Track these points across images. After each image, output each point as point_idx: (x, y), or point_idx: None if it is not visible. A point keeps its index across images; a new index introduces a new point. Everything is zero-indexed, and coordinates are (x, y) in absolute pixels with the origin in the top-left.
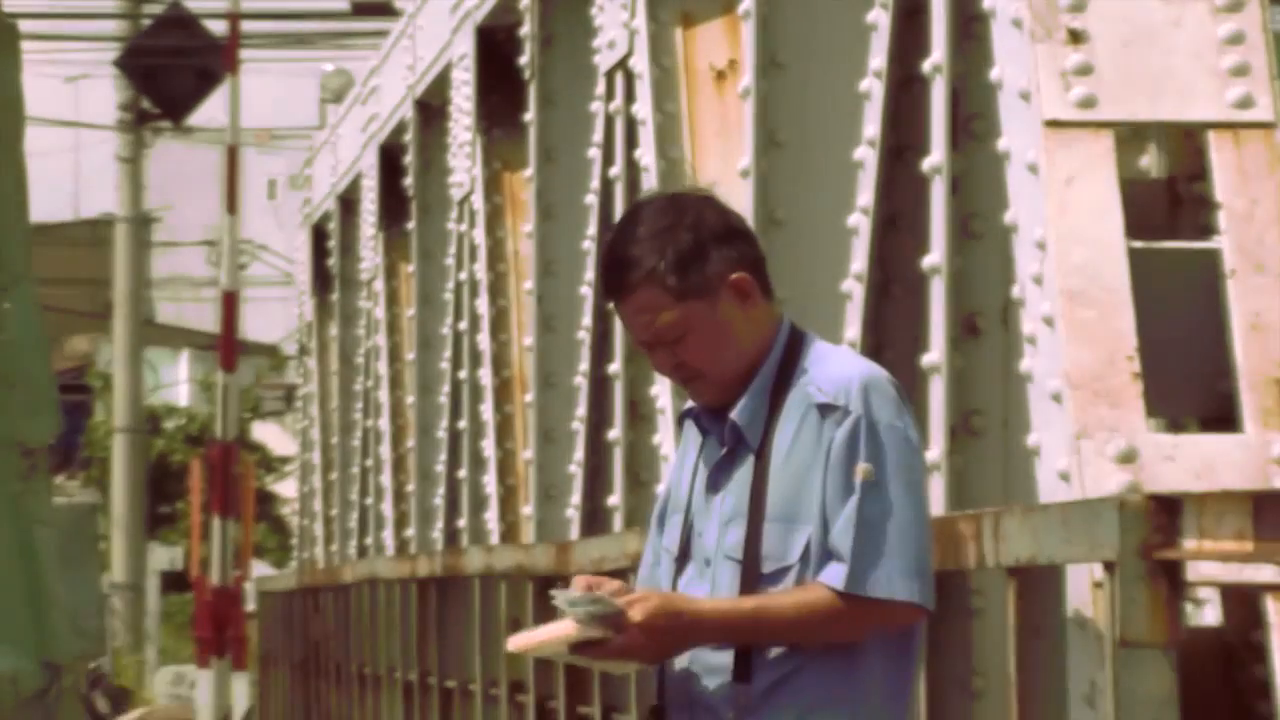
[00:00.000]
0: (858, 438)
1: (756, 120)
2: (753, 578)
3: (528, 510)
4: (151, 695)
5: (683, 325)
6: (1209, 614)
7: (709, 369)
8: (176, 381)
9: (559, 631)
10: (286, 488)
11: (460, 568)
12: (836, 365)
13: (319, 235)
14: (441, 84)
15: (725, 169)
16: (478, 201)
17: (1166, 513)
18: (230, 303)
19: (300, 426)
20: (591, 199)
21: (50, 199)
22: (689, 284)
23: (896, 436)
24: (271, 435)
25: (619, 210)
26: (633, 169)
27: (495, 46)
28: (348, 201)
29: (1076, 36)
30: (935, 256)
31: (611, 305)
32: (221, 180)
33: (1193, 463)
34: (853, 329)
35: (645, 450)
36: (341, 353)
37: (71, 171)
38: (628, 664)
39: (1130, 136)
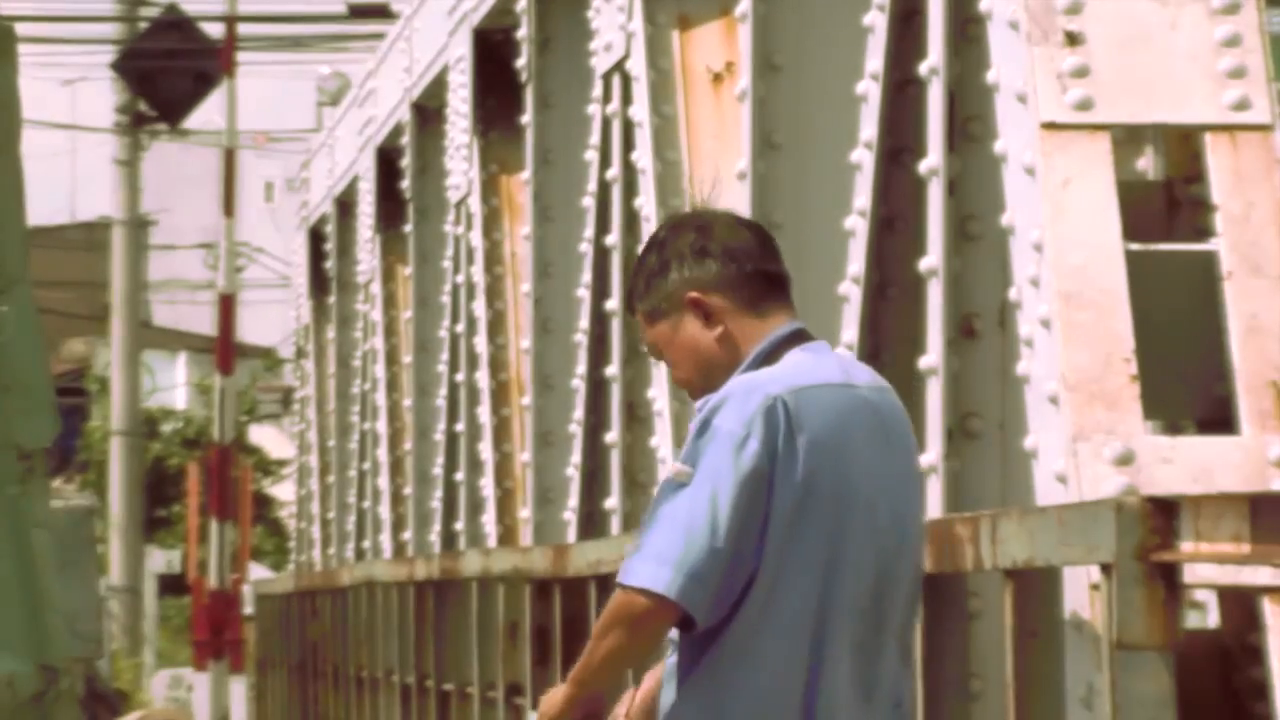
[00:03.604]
0: (690, 440)
1: (753, 122)
2: None
3: (525, 513)
4: (149, 698)
5: (657, 345)
6: (1207, 616)
7: (691, 384)
8: (174, 384)
9: None
10: (284, 490)
11: (457, 571)
12: (737, 378)
13: (316, 238)
14: (438, 87)
15: (722, 171)
16: (475, 204)
17: (1163, 515)
18: (227, 305)
19: (297, 429)
20: (589, 201)
21: (47, 202)
22: (653, 307)
23: (723, 440)
24: (269, 438)
25: (616, 212)
26: (630, 171)
27: (492, 49)
28: (345, 204)
29: (1073, 39)
30: (932, 259)
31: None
32: (218, 183)
33: (1190, 465)
34: (850, 331)
35: (643, 453)
36: (339, 355)
37: (68, 174)
38: None
39: (1127, 139)
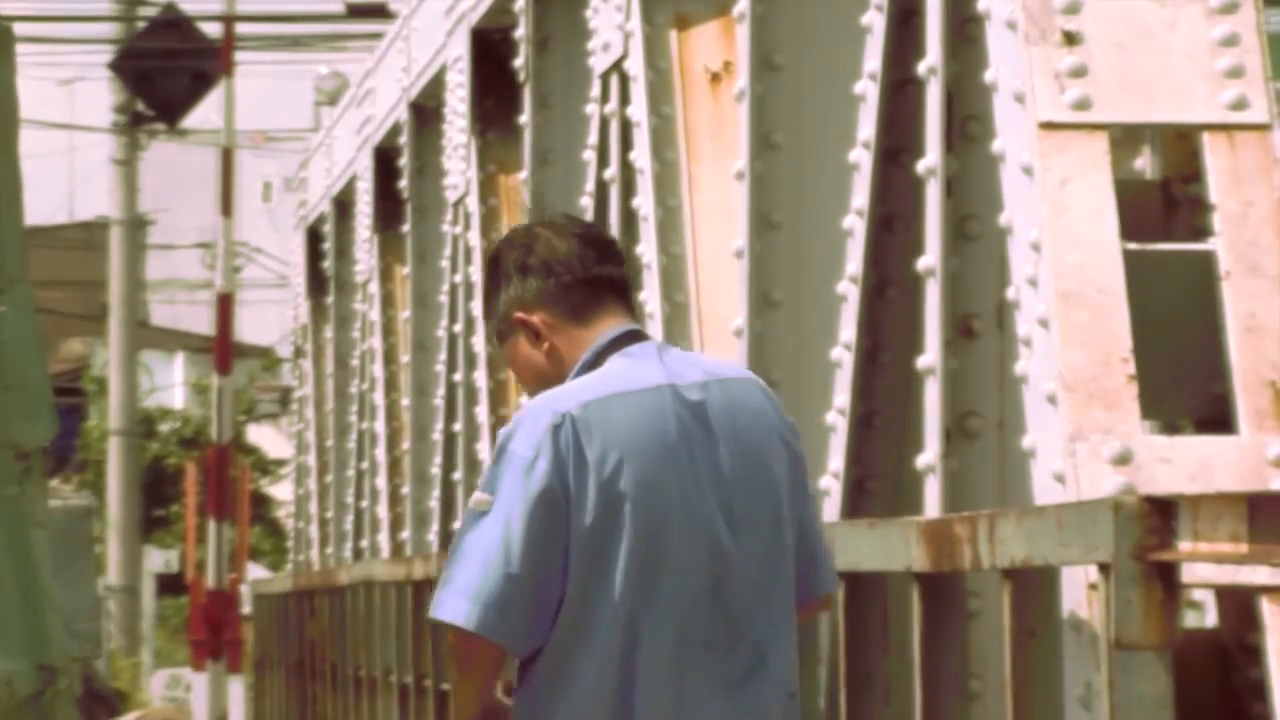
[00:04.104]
0: (488, 467)
1: (752, 122)
2: None
3: None
4: (147, 698)
5: (506, 361)
6: (1205, 616)
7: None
8: (171, 384)
9: None
10: (282, 490)
11: None
12: (535, 398)
13: (314, 238)
14: (436, 86)
15: (720, 171)
16: (473, 204)
17: (1161, 515)
18: (225, 305)
19: (295, 429)
20: (586, 201)
21: (45, 201)
22: (495, 329)
23: (514, 464)
24: (266, 438)
25: (614, 212)
26: (628, 171)
27: (490, 49)
28: (342, 204)
29: (1071, 38)
30: (930, 258)
31: None
32: (216, 183)
33: (1188, 465)
34: (848, 331)
35: None
36: (336, 355)
37: (66, 174)
38: None
39: (1125, 138)
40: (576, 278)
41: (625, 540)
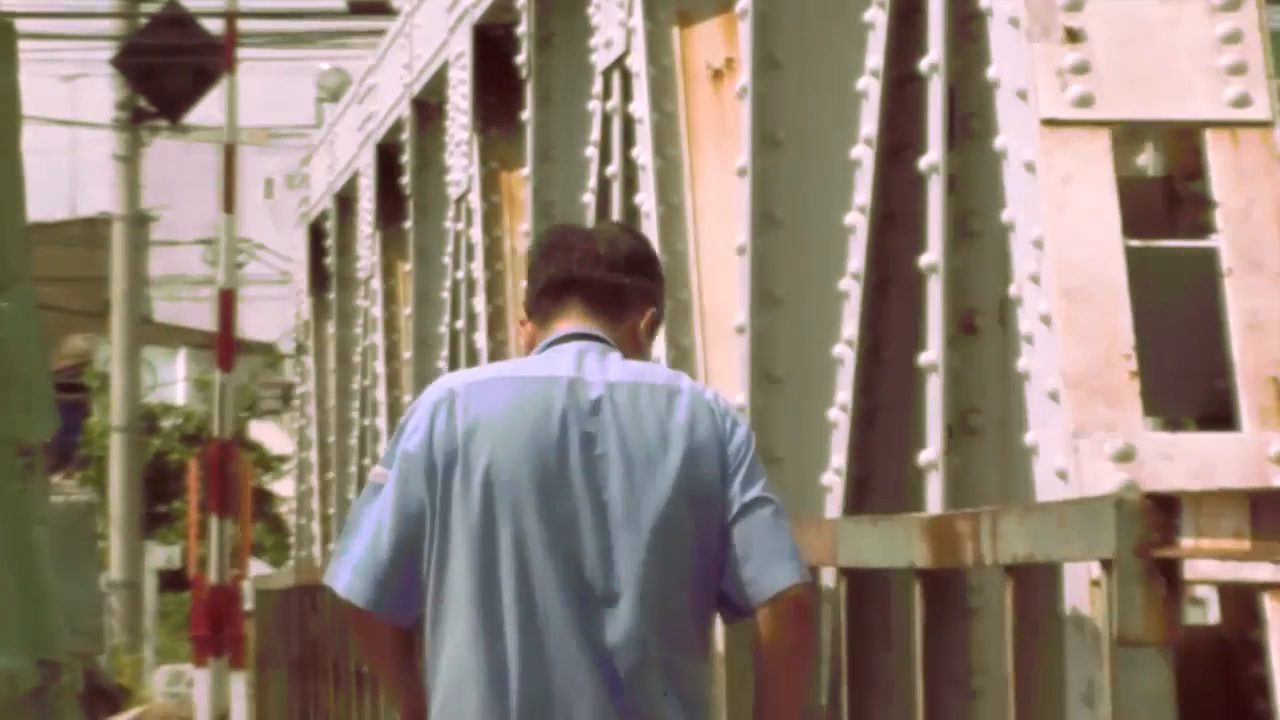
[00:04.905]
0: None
1: (754, 119)
2: None
3: None
4: (149, 694)
5: None
6: (1207, 613)
7: None
8: (174, 380)
9: None
10: (284, 487)
11: None
12: None
13: (316, 234)
14: (438, 83)
15: (722, 168)
16: (475, 200)
17: (1164, 511)
18: (227, 301)
19: (297, 425)
20: (588, 198)
21: (47, 198)
22: None
23: (399, 438)
24: (269, 434)
25: (616, 209)
26: (630, 168)
27: (492, 45)
28: (345, 200)
29: (1074, 35)
30: (932, 255)
31: None
32: (218, 179)
33: (1190, 461)
34: (850, 327)
35: None
36: (339, 351)
37: (68, 170)
38: None
39: (1127, 135)
40: (542, 286)
41: (474, 517)
